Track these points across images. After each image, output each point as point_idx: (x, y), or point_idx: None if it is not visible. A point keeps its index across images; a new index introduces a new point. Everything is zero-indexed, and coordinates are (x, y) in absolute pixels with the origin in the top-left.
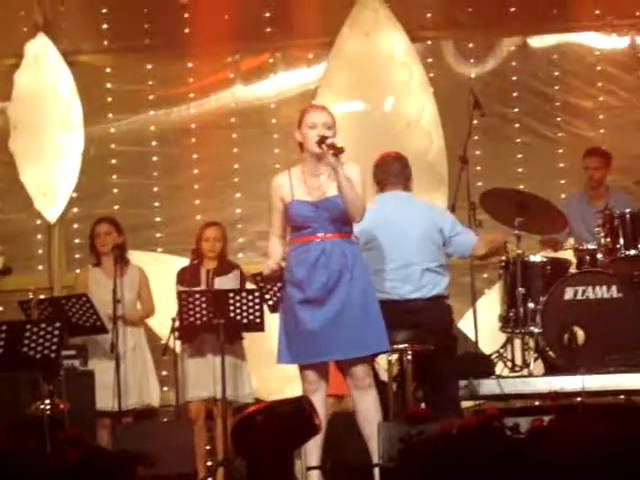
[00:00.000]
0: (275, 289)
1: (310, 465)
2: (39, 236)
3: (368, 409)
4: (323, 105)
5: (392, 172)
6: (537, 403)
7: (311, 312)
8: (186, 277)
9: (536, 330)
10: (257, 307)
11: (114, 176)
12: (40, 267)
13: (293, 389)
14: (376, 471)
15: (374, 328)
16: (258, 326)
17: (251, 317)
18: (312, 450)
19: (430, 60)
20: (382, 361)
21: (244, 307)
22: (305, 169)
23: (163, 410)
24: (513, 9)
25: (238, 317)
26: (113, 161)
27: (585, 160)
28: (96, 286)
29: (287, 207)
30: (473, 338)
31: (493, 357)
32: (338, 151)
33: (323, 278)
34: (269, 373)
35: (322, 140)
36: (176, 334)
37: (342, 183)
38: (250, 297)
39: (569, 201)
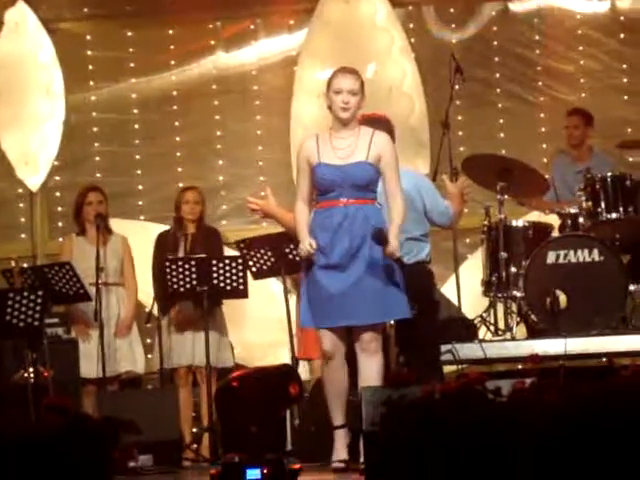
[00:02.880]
0: (258, 255)
1: (336, 424)
2: (21, 205)
3: (370, 374)
4: (352, 69)
5: None
6: (520, 366)
7: (333, 277)
8: (165, 243)
9: (518, 294)
10: (240, 274)
11: (96, 144)
12: (23, 235)
13: (276, 355)
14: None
15: (395, 295)
16: (241, 293)
17: (234, 284)
18: (336, 410)
19: (411, 25)
20: None
21: (227, 274)
22: (332, 132)
23: (147, 377)
24: None
25: (222, 284)
26: (94, 129)
27: (566, 119)
28: (81, 255)
29: (313, 170)
30: (456, 303)
31: (476, 321)
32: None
33: (345, 243)
34: (252, 339)
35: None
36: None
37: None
38: (233, 264)
39: (555, 162)
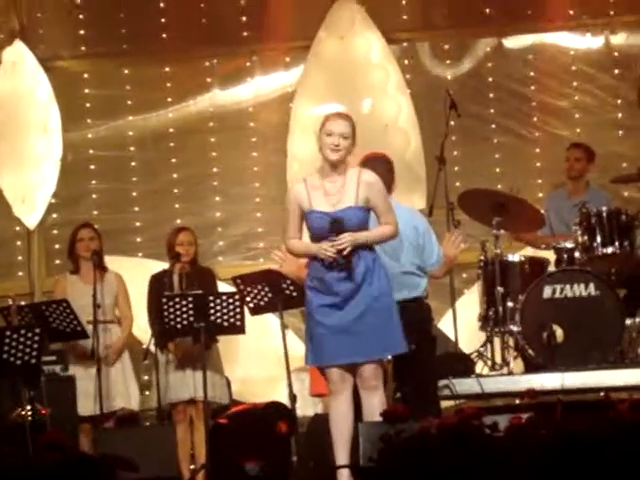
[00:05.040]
0: (255, 291)
1: (339, 464)
2: (19, 242)
3: (372, 410)
4: (346, 114)
5: (378, 174)
6: (517, 401)
7: (333, 315)
8: (160, 282)
9: (515, 329)
10: (238, 310)
11: (93, 181)
12: (20, 273)
13: (275, 391)
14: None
15: (393, 330)
16: (238, 329)
17: (232, 320)
18: (340, 449)
19: (406, 62)
20: None
21: (224, 310)
22: (321, 175)
23: (145, 414)
24: (488, 10)
25: (219, 320)
26: (92, 166)
27: (567, 152)
28: (75, 293)
29: (306, 216)
30: (453, 338)
31: (473, 356)
32: (345, 267)
33: (344, 286)
34: (250, 375)
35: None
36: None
37: (370, 242)
38: (230, 300)
39: (550, 197)
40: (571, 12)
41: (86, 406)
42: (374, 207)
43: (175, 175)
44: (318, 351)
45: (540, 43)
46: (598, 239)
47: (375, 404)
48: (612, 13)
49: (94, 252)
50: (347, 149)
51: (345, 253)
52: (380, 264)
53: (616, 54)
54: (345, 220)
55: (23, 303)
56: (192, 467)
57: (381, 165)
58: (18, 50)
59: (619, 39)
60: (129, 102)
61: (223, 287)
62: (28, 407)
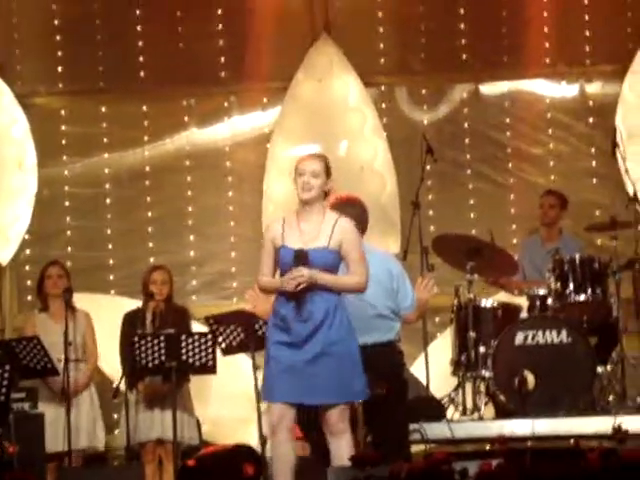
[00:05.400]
0: (228, 331)
1: None
2: None
3: (340, 454)
4: (319, 154)
5: (350, 217)
6: (488, 447)
7: (289, 353)
8: (133, 320)
9: (487, 374)
10: (210, 350)
11: (67, 218)
12: None
13: (245, 432)
14: None
15: (351, 378)
16: (210, 369)
17: (203, 360)
18: None
19: (384, 105)
20: None
21: (196, 350)
22: (299, 215)
23: (113, 454)
24: (465, 56)
25: (190, 360)
26: (67, 203)
27: (541, 199)
28: (43, 331)
29: (277, 252)
30: (424, 382)
31: (444, 401)
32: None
33: (303, 326)
34: (221, 415)
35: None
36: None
37: (329, 286)
38: (202, 340)
39: (524, 243)
40: (547, 60)
41: (54, 444)
42: (345, 254)
43: (150, 213)
44: (269, 387)
45: (516, 90)
46: (571, 286)
47: (343, 448)
48: (588, 62)
49: (65, 289)
50: (319, 187)
51: (299, 288)
52: (342, 309)
53: (591, 103)
54: (312, 257)
55: None
56: None
57: (353, 208)
58: None
59: (594, 88)
60: (105, 139)
61: (196, 327)
62: None
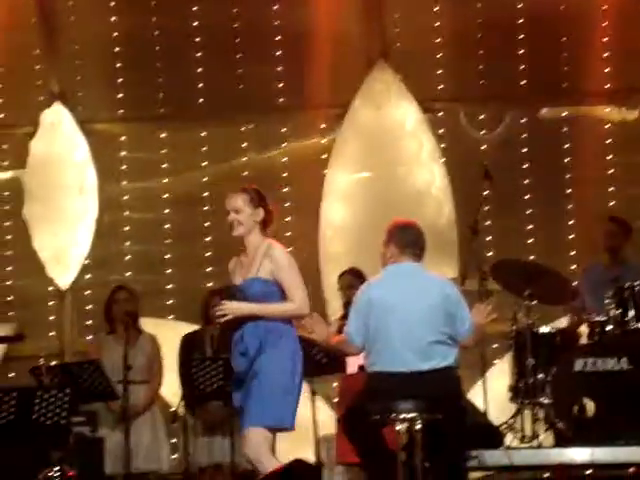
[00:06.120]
0: None
1: None
2: (51, 302)
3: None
4: (241, 188)
5: (407, 241)
6: (546, 475)
7: (237, 388)
8: (192, 343)
9: (546, 401)
10: None
11: (127, 243)
12: (51, 333)
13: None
14: None
15: (277, 404)
16: None
17: None
18: None
19: (441, 131)
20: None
21: None
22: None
23: (172, 478)
24: (524, 82)
25: None
26: (126, 228)
27: (605, 226)
28: (109, 353)
29: None
30: (483, 408)
31: (503, 428)
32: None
33: (240, 361)
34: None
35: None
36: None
37: (261, 315)
38: None
39: (587, 269)
40: (607, 85)
41: (112, 465)
42: (280, 282)
43: (208, 238)
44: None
45: (575, 115)
46: (631, 313)
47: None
48: None
49: (127, 312)
50: (247, 221)
51: (222, 320)
52: (276, 337)
53: None
54: (243, 288)
55: (54, 363)
56: None
57: (410, 231)
58: (57, 112)
59: None
60: (165, 165)
61: None
62: (56, 468)
